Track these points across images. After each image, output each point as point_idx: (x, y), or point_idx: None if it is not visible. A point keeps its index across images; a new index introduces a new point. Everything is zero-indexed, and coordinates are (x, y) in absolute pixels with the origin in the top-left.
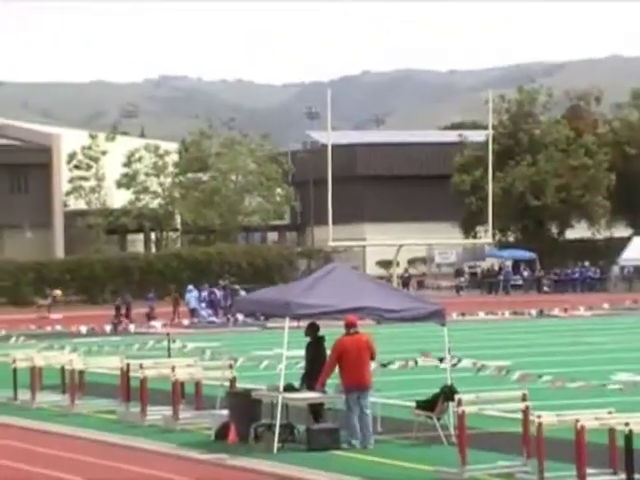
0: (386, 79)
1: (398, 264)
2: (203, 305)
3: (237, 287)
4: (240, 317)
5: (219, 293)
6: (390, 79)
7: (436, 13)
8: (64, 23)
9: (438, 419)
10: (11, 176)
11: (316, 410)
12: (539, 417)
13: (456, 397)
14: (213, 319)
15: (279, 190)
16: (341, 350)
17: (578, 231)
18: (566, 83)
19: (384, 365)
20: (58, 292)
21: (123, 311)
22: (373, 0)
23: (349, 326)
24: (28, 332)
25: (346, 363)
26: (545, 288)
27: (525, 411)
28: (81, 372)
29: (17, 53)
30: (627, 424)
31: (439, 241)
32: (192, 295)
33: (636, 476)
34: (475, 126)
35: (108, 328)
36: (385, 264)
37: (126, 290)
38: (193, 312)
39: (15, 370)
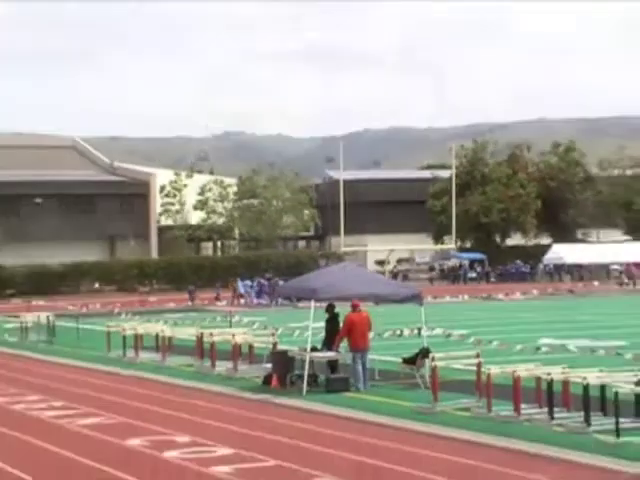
0: (381, 134)
1: (389, 262)
2: (254, 291)
3: (276, 279)
4: (280, 300)
5: (265, 283)
6: (384, 134)
7: (416, 85)
8: (156, 89)
9: (417, 370)
10: (121, 202)
11: (333, 365)
12: (488, 369)
13: (430, 355)
14: (261, 301)
15: (306, 211)
16: (350, 323)
17: (514, 240)
18: (507, 137)
19: (380, 334)
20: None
21: (194, 295)
22: (372, 76)
23: (354, 306)
24: (133, 310)
25: (353, 332)
26: (492, 279)
27: (478, 365)
28: (169, 337)
29: (125, 113)
30: (549, 374)
31: (418, 247)
32: (242, 284)
33: (555, 409)
34: (443, 166)
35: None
36: (380, 263)
37: (198, 281)
38: (241, 296)
39: (124, 336)
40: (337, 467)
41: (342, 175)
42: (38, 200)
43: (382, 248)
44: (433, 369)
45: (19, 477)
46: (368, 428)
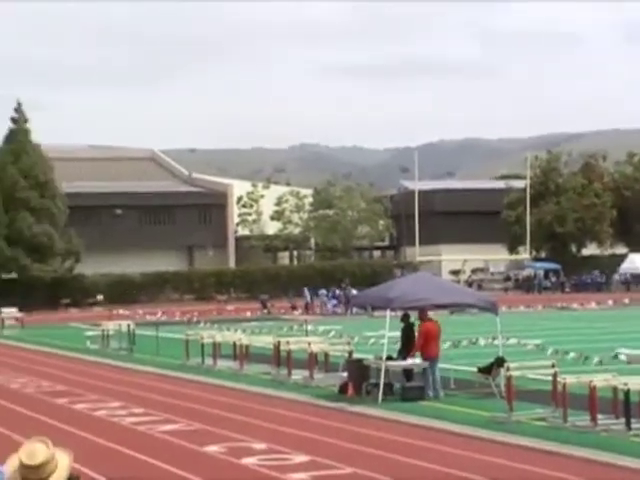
0: (456, 144)
1: (464, 272)
2: (330, 300)
3: (351, 288)
4: (355, 309)
5: (340, 292)
6: (459, 144)
7: (491, 96)
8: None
9: (493, 380)
10: (199, 212)
11: (408, 373)
12: (564, 379)
13: (505, 364)
14: (336, 310)
15: (381, 222)
16: (426, 332)
17: (590, 249)
18: (581, 147)
19: (455, 343)
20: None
21: (268, 304)
22: (447, 87)
23: (424, 315)
24: (211, 318)
25: (427, 341)
26: (567, 289)
27: (554, 375)
28: (247, 346)
29: (203, 125)
30: (626, 384)
31: (492, 257)
32: (309, 293)
33: (632, 420)
34: (517, 177)
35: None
36: (455, 272)
37: (274, 291)
38: (307, 305)
39: (203, 344)
40: (413, 475)
41: (417, 185)
42: (118, 211)
43: (457, 258)
44: (508, 378)
45: (95, 479)
46: (444, 437)
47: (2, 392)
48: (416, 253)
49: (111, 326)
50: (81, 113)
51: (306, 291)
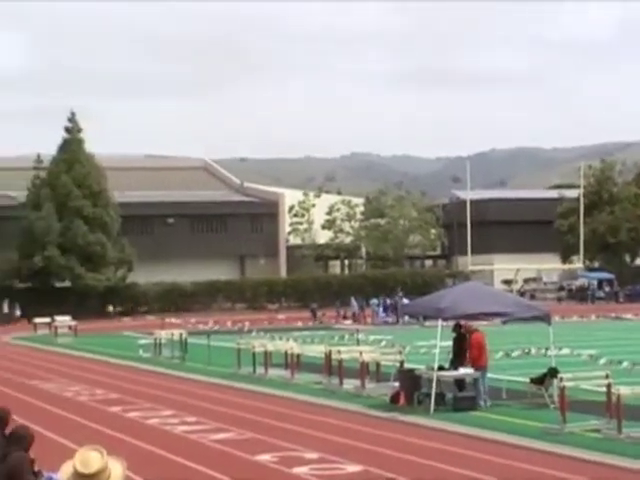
0: (508, 153)
1: (517, 282)
2: (381, 309)
3: (399, 296)
4: (406, 318)
5: (392, 301)
6: (511, 153)
7: (543, 105)
8: (284, 111)
9: (546, 390)
10: (251, 221)
11: (460, 383)
12: (618, 390)
13: (559, 375)
14: (387, 319)
15: (433, 231)
16: (477, 342)
17: None
18: (635, 156)
19: (507, 353)
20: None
21: (318, 313)
22: (499, 96)
23: (463, 326)
24: (262, 327)
25: (478, 351)
26: (621, 299)
27: (608, 386)
28: (298, 355)
29: (255, 134)
30: None
31: (545, 266)
32: (356, 302)
33: None
34: (570, 186)
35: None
36: (507, 282)
37: (326, 300)
38: (353, 315)
39: (254, 353)
40: None
41: (469, 195)
42: (170, 220)
43: (509, 267)
44: (561, 389)
45: None
46: (496, 447)
47: (56, 400)
48: (468, 262)
49: (163, 335)
50: (134, 123)
51: (353, 300)
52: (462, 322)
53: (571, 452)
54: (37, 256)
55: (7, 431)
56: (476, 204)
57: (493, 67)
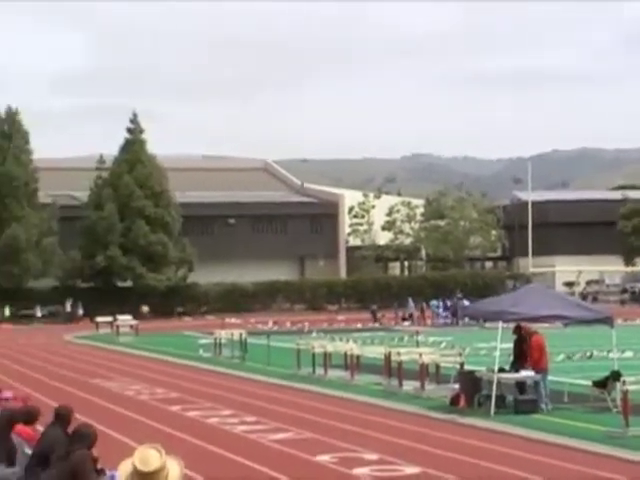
0: (570, 154)
1: (579, 284)
2: (441, 311)
3: (458, 297)
4: (466, 319)
5: (451, 303)
6: (573, 154)
7: (605, 105)
8: (346, 112)
9: (608, 394)
10: (311, 222)
11: (521, 386)
12: None
13: (621, 378)
14: (447, 320)
15: (494, 232)
16: (538, 345)
17: None
18: None
19: (569, 356)
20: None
21: (378, 315)
22: (561, 97)
23: (522, 328)
24: (322, 328)
25: (539, 354)
26: None
27: None
28: (358, 356)
29: (316, 135)
30: None
31: (608, 268)
32: (413, 304)
33: None
34: (634, 187)
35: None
36: (569, 284)
37: (386, 301)
38: (411, 316)
39: (313, 354)
40: None
41: (530, 196)
42: (231, 221)
43: (571, 269)
44: (624, 393)
45: None
46: (557, 450)
47: (117, 399)
48: (529, 264)
49: (223, 334)
50: (195, 124)
51: (410, 301)
52: (522, 324)
53: (634, 456)
54: (99, 256)
55: (70, 429)
56: (537, 205)
57: (557, 66)
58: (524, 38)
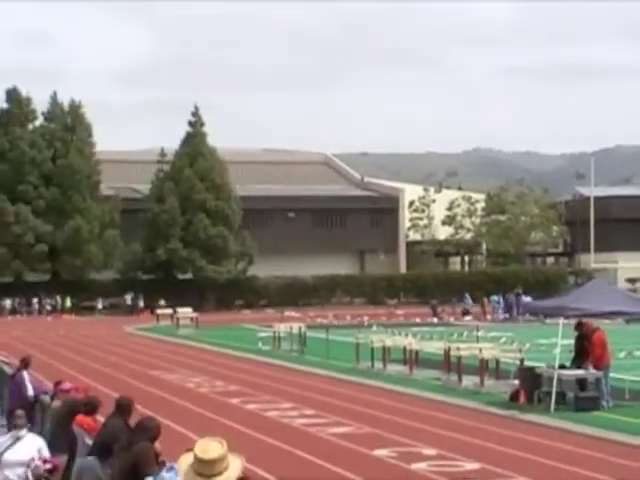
0: (634, 150)
1: None
2: (501, 307)
3: (516, 292)
4: (526, 316)
5: (512, 298)
6: (637, 150)
7: None
8: (407, 106)
9: None
10: (371, 216)
11: (582, 383)
12: None
13: None
14: (507, 316)
15: (555, 228)
16: (599, 341)
17: None
18: None
19: (631, 353)
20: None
21: (438, 309)
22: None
23: (584, 325)
24: (381, 322)
25: (601, 350)
26: None
27: None
28: (417, 351)
29: (376, 129)
30: None
31: None
32: (469, 299)
33: None
34: None
35: (434, 320)
36: (632, 281)
37: (447, 296)
38: (467, 311)
39: (372, 348)
40: None
41: (593, 191)
42: (291, 214)
43: (634, 266)
44: None
45: (266, 479)
46: (617, 448)
47: (178, 391)
48: (591, 260)
49: (283, 328)
50: (255, 117)
51: (467, 296)
52: (584, 320)
53: None
54: (160, 248)
55: (134, 422)
56: (600, 201)
57: (622, 60)
58: (589, 30)
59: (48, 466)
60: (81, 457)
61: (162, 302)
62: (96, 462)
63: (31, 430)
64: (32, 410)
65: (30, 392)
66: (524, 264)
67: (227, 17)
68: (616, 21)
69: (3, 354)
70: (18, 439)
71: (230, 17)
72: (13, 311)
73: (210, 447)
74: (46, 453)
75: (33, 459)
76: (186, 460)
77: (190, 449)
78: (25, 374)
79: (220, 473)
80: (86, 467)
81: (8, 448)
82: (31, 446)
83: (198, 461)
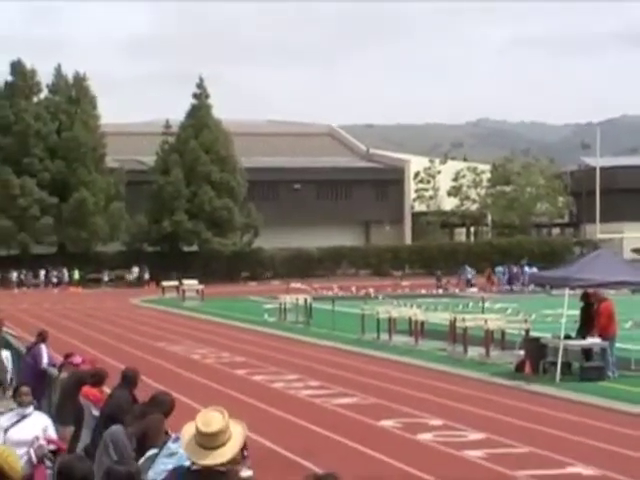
0: (639, 120)
1: None
2: (506, 277)
3: (527, 266)
4: (532, 286)
5: (517, 269)
6: None
7: None
8: (411, 77)
9: None
10: (376, 188)
11: (587, 353)
12: None
13: None
14: (510, 288)
15: (561, 199)
16: (606, 311)
17: None
18: None
19: (637, 323)
20: None
21: (443, 281)
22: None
23: (598, 295)
24: (387, 294)
25: (607, 320)
26: None
27: None
28: (422, 322)
29: (381, 100)
30: None
31: None
32: (470, 270)
33: None
34: None
35: (439, 292)
36: (637, 251)
37: (453, 267)
38: (469, 282)
39: (378, 319)
40: (590, 456)
41: (599, 162)
42: (297, 186)
43: (639, 236)
44: None
45: (271, 449)
46: (622, 418)
47: (183, 362)
48: (597, 231)
49: (288, 299)
50: (260, 89)
51: (467, 268)
52: (591, 291)
53: None
54: (166, 221)
55: (149, 395)
56: (606, 171)
57: (627, 29)
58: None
59: (52, 447)
60: (88, 428)
61: (174, 276)
62: (122, 430)
63: (40, 403)
64: (44, 383)
65: (45, 365)
66: (529, 235)
67: None
68: None
69: (9, 326)
70: (24, 417)
71: None
72: (20, 284)
73: (212, 419)
74: (52, 433)
75: (37, 438)
76: (188, 431)
77: (192, 420)
78: (43, 347)
79: (223, 444)
80: (114, 436)
81: (13, 426)
82: (36, 425)
83: (200, 434)
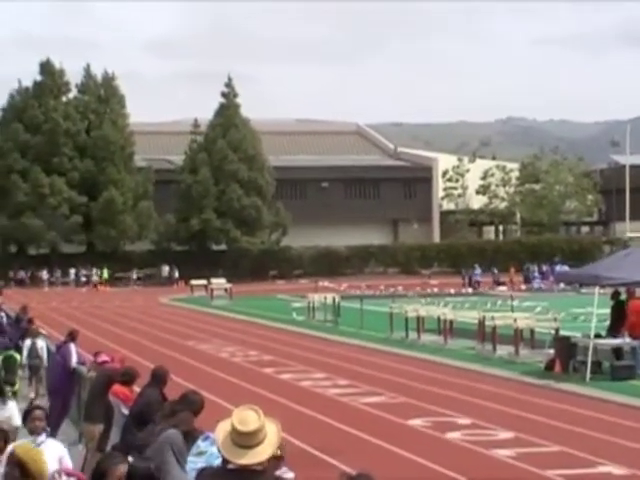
0: None
1: None
2: (536, 275)
3: (558, 264)
4: (561, 285)
5: (547, 268)
6: None
7: None
8: (441, 75)
9: None
10: (404, 186)
11: (618, 352)
12: None
13: None
14: (541, 285)
15: (590, 197)
16: (636, 310)
17: None
18: None
19: None
20: None
21: (471, 279)
22: None
23: (629, 294)
24: (415, 292)
25: (637, 319)
26: None
27: None
28: (451, 321)
29: (409, 99)
30: None
31: None
32: (478, 270)
33: None
34: None
35: (469, 290)
36: None
37: (480, 265)
38: (478, 283)
39: (407, 318)
40: (621, 456)
41: (628, 160)
42: (325, 184)
43: None
44: None
45: (299, 447)
46: None
47: (212, 361)
48: (626, 229)
49: (316, 298)
50: (288, 87)
51: (477, 268)
52: (621, 289)
53: None
54: (194, 219)
55: (179, 394)
56: (635, 169)
57: None
58: None
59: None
60: (117, 427)
61: (204, 274)
62: (178, 434)
63: (69, 401)
64: (73, 381)
65: (74, 364)
66: (558, 233)
67: None
68: None
69: (40, 325)
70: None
71: None
72: (50, 282)
73: (248, 418)
74: (68, 462)
75: (56, 474)
76: (223, 430)
77: (226, 418)
78: (72, 346)
79: (259, 443)
80: (171, 440)
81: None
82: (51, 457)
83: (237, 433)
